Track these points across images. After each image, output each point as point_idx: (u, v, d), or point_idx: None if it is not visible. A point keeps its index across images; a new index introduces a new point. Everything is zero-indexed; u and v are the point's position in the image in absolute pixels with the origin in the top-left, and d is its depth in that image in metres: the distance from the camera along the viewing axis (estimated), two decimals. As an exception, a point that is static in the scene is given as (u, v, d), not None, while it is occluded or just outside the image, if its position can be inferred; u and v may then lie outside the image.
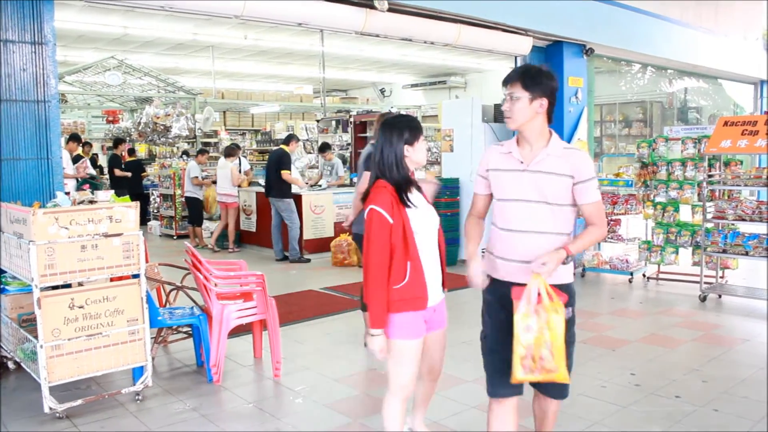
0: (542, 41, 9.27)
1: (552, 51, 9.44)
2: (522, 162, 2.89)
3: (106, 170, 13.14)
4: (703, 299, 7.10)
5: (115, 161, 13.20)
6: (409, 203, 3.02)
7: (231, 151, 11.08)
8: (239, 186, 11.09)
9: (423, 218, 3.07)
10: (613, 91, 13.57)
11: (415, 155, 3.07)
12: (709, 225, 7.21)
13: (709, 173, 7.28)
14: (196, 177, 11.14)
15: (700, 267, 7.26)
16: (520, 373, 2.72)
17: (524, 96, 2.84)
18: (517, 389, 2.97)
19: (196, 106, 14.99)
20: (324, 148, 11.63)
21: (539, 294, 2.70)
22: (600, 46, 9.68)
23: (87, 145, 13.20)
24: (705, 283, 7.23)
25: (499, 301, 2.97)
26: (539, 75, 2.85)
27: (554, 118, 9.18)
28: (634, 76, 13.34)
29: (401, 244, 2.96)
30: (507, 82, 2.90)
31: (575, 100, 9.44)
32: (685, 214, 7.83)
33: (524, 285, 2.73)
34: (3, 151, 5.06)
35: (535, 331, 2.68)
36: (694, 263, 7.66)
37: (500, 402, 3.02)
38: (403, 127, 3.07)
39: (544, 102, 2.85)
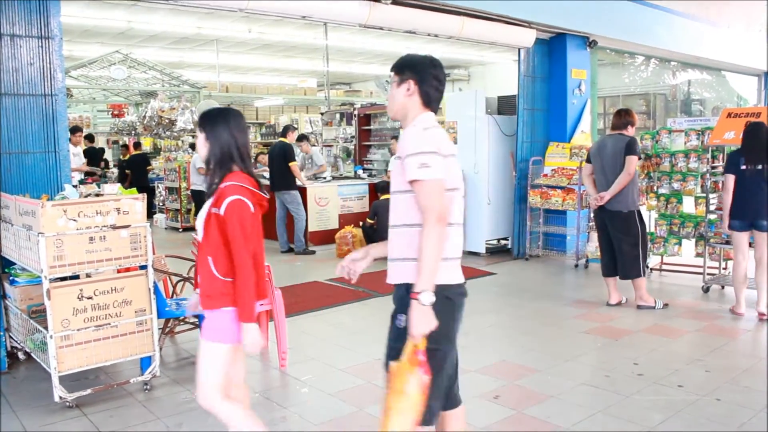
0: (546, 33, 9.27)
1: (555, 43, 9.45)
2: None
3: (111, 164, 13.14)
4: (706, 290, 7.13)
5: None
6: None
7: None
8: None
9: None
10: (617, 83, 13.56)
11: None
12: (712, 216, 7.23)
13: (713, 165, 7.30)
14: (202, 167, 11.12)
15: (703, 258, 7.29)
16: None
17: (394, 80, 2.71)
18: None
19: (201, 99, 15.03)
20: (301, 138, 11.38)
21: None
22: (603, 38, 9.68)
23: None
24: (708, 274, 7.26)
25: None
26: (408, 56, 2.75)
27: (558, 110, 9.19)
28: (638, 68, 13.33)
29: None
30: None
31: (578, 92, 9.45)
32: (688, 206, 7.84)
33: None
34: (11, 144, 5.11)
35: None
36: (697, 254, 7.68)
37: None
38: None
39: (411, 84, 2.66)
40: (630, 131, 6.43)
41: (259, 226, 2.93)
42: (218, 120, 2.97)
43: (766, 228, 5.99)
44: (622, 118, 6.47)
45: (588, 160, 6.66)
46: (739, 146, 6.17)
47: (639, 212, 6.44)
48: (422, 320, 2.45)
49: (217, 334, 2.92)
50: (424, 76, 2.67)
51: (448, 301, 2.58)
